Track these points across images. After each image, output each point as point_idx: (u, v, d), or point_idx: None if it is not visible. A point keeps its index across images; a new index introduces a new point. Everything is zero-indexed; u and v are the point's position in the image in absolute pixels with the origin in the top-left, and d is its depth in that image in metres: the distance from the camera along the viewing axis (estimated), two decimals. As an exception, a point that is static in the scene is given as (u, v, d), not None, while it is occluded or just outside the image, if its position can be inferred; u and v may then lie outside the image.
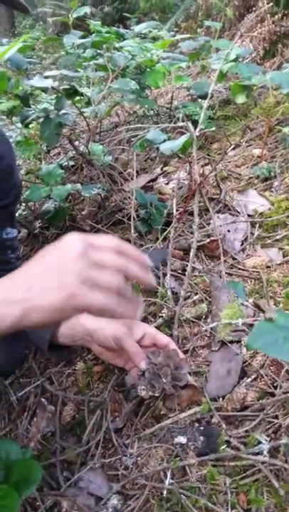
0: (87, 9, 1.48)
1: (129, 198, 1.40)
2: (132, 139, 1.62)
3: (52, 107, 1.36)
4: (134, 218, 1.06)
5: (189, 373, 0.81)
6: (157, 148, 1.61)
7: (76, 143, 1.61)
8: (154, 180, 1.54)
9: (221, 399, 0.78)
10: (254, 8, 2.85)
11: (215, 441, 0.73)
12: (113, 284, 0.53)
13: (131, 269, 0.56)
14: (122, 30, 1.93)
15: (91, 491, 0.72)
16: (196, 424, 0.77)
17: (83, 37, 1.47)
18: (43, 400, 0.88)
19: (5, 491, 0.64)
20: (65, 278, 0.52)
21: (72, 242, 0.55)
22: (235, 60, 1.42)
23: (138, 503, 0.69)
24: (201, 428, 0.76)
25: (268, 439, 0.71)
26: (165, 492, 0.69)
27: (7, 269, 0.94)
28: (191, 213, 1.24)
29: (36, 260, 0.57)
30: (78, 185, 1.29)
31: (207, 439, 0.74)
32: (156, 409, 0.80)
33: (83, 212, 1.49)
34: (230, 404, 0.76)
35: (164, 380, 0.76)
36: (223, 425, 0.75)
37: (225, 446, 0.72)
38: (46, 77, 1.29)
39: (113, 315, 0.54)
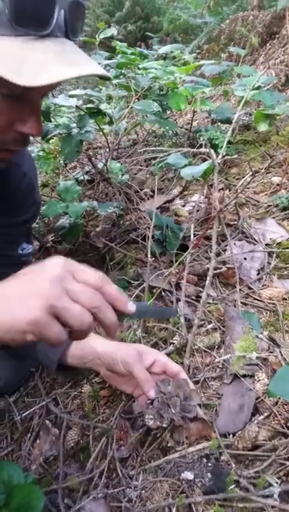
0: (114, 30, 1.50)
1: (144, 217, 1.40)
2: (151, 160, 1.62)
3: (72, 122, 1.37)
4: (150, 240, 1.05)
5: (199, 405, 0.79)
6: (175, 170, 1.61)
7: (93, 159, 1.62)
8: (170, 201, 1.54)
9: (231, 436, 0.76)
10: (277, 35, 2.89)
11: (223, 480, 0.71)
12: (76, 322, 0.49)
13: (103, 312, 0.52)
14: (145, 51, 1.97)
15: (92, 523, 0.70)
16: (204, 460, 0.74)
17: (109, 58, 1.49)
18: (47, 422, 0.86)
19: (5, 519, 0.63)
20: (32, 300, 0.48)
21: (53, 265, 0.51)
22: (258, 88, 1.42)
23: (140, 539, 0.66)
24: (210, 465, 0.73)
25: (279, 481, 0.68)
26: (169, 530, 0.66)
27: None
28: (207, 238, 1.24)
29: (17, 275, 0.53)
30: (94, 203, 1.29)
31: (215, 476, 0.72)
32: (163, 440, 0.78)
33: (97, 229, 1.49)
34: (241, 443, 0.73)
35: (173, 411, 0.74)
36: (233, 464, 0.72)
37: (234, 486, 0.70)
38: (71, 96, 1.30)
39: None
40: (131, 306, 0.56)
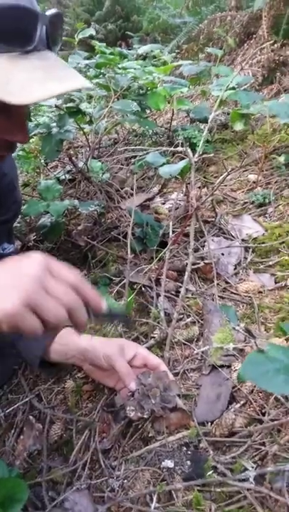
0: (92, 31, 1.52)
1: (125, 215, 1.42)
2: (131, 159, 1.64)
3: (52, 121, 1.38)
4: (130, 237, 1.07)
5: (179, 396, 0.82)
6: (155, 168, 1.64)
7: (74, 158, 1.63)
8: (150, 199, 1.56)
9: (209, 424, 0.79)
10: (254, 36, 2.94)
11: (202, 467, 0.74)
12: (52, 318, 0.51)
13: (78, 310, 0.54)
14: (125, 51, 1.98)
15: (76, 513, 0.72)
16: (184, 449, 0.77)
17: (88, 58, 1.51)
18: (30, 417, 0.87)
19: (-11, 511, 0.64)
20: (11, 292, 0.49)
21: (33, 260, 0.53)
22: (234, 88, 1.46)
23: (123, 526, 0.69)
24: (189, 452, 0.76)
25: (255, 465, 0.71)
26: (150, 516, 0.69)
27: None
28: (186, 234, 1.27)
29: None
30: (76, 201, 1.31)
31: (194, 463, 0.75)
32: (144, 431, 0.80)
33: (79, 228, 1.51)
34: (218, 430, 0.76)
35: (153, 402, 0.77)
36: (211, 451, 0.75)
37: (212, 471, 0.73)
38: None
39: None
40: (103, 304, 0.58)
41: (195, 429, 0.78)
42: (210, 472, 0.73)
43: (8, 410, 0.91)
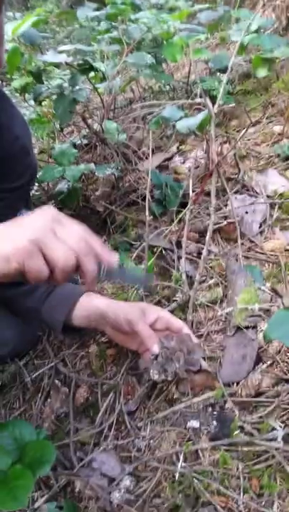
0: (101, -20, 1.41)
1: (143, 177, 1.37)
2: (148, 116, 1.57)
3: (65, 83, 1.32)
4: (148, 200, 1.03)
5: (203, 358, 0.80)
6: (173, 126, 1.56)
7: (89, 120, 1.57)
8: (169, 159, 1.50)
9: (235, 385, 0.77)
10: (277, -25, 2.69)
11: (228, 427, 0.73)
12: (60, 260, 0.52)
13: (87, 257, 0.54)
14: (137, 1, 1.86)
15: (104, 472, 0.73)
16: (210, 409, 0.76)
17: (97, 9, 1.41)
18: (56, 381, 0.88)
19: (19, 471, 0.66)
20: (21, 230, 0.52)
21: (44, 210, 0.55)
22: (256, 31, 1.34)
23: (150, 485, 0.69)
24: (215, 413, 0.75)
25: (282, 425, 0.70)
26: (177, 475, 0.69)
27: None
28: (208, 194, 1.21)
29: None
30: (92, 165, 1.27)
31: (220, 424, 0.74)
32: (169, 393, 0.80)
33: (97, 193, 1.47)
34: (244, 390, 0.75)
35: (177, 365, 0.76)
36: (237, 411, 0.74)
37: (238, 431, 0.72)
38: (60, 52, 1.25)
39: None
40: (114, 258, 0.58)
41: (220, 389, 0.76)
42: (236, 432, 0.72)
43: (34, 375, 0.92)
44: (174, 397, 0.79)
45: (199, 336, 0.86)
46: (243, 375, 0.77)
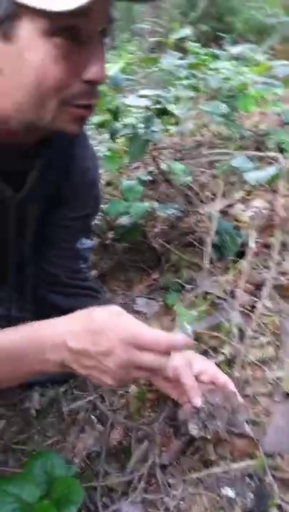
0: (188, 31, 1.49)
1: (203, 221, 1.37)
2: (214, 163, 1.59)
3: (139, 122, 1.38)
4: (210, 245, 1.02)
5: (246, 421, 0.76)
6: (239, 173, 1.57)
7: (157, 159, 1.62)
8: (230, 205, 1.50)
9: (278, 457, 0.72)
10: None
11: (266, 503, 0.67)
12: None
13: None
14: (217, 51, 1.93)
15: (128, 525, 0.70)
16: (247, 479, 0.71)
17: (181, 58, 1.49)
18: (93, 417, 0.87)
19: (46, 508, 0.65)
20: (104, 378, 0.62)
21: (118, 338, 0.59)
22: None
23: None
24: (252, 484, 0.70)
25: None
26: None
27: (78, 278, 0.96)
28: (266, 246, 1.19)
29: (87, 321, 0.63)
30: (155, 204, 1.30)
31: (257, 498, 0.69)
32: (205, 453, 0.76)
33: (155, 230, 1.49)
34: (288, 466, 0.69)
35: (219, 423, 0.72)
36: (276, 487, 0.68)
37: (275, 510, 0.66)
38: (141, 96, 1.31)
39: None
40: None
41: (261, 460, 0.71)
42: (274, 510, 0.66)
43: (71, 406, 0.92)
44: (211, 458, 0.75)
45: (244, 396, 0.82)
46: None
